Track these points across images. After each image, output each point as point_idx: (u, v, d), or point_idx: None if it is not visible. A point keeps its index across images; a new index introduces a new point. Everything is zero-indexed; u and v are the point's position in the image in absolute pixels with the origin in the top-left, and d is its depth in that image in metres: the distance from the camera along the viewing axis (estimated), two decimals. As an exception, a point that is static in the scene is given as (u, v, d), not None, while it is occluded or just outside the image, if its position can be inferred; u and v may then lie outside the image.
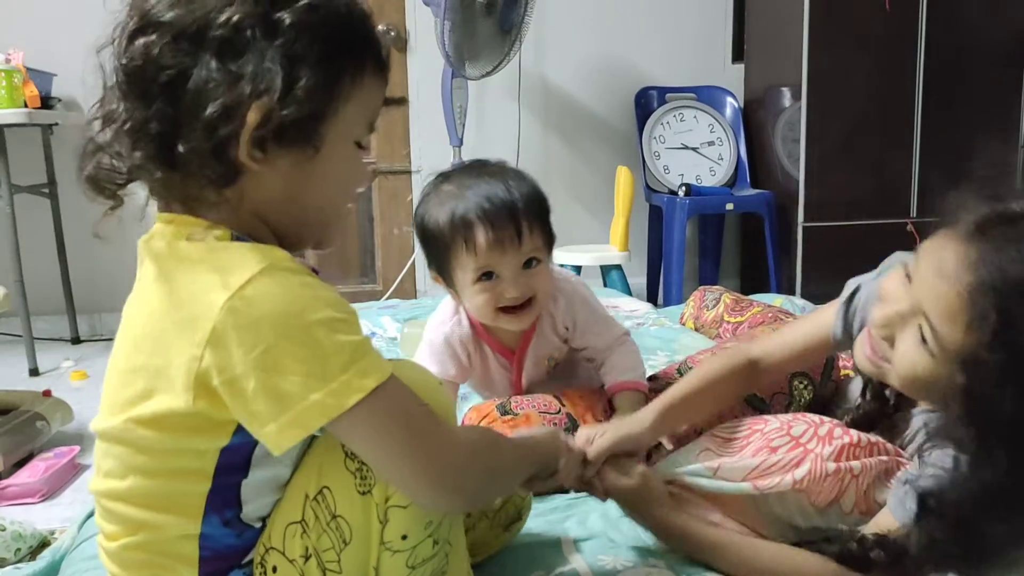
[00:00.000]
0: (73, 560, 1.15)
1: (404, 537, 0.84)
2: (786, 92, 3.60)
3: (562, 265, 3.21)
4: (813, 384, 1.50)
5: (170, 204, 0.83)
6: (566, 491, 1.29)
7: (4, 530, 1.68)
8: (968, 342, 0.88)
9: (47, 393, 2.48)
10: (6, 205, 3.04)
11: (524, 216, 1.31)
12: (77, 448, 2.28)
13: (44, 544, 1.74)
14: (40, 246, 3.39)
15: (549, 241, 1.36)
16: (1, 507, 2.00)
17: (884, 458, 1.08)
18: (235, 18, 0.75)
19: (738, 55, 3.96)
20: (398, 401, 0.78)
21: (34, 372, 3.10)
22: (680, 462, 1.19)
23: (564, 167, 3.90)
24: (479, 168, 1.37)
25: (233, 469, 0.81)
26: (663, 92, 3.81)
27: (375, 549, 0.84)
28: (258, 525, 0.85)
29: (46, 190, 3.37)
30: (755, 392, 1.41)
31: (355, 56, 0.82)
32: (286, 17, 0.77)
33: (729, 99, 3.85)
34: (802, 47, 3.43)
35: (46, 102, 3.23)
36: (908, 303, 0.97)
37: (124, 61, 0.78)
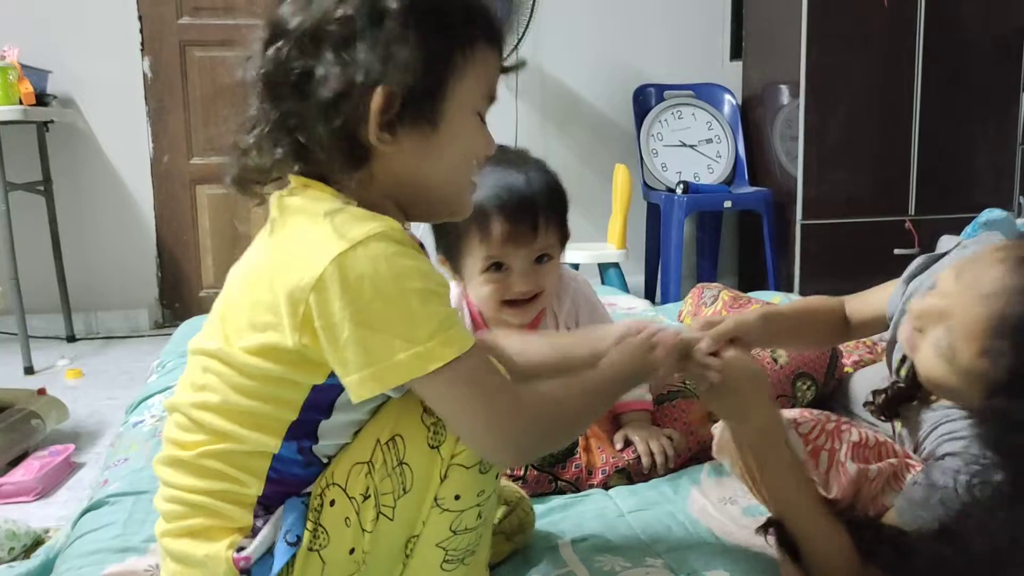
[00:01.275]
0: (68, 557, 1.14)
1: (457, 497, 0.90)
2: (784, 90, 3.60)
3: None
4: (816, 384, 1.49)
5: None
6: (576, 490, 1.28)
7: (-2, 528, 1.67)
8: (979, 367, 0.88)
9: (42, 391, 2.47)
10: (1, 202, 3.03)
11: (542, 211, 1.28)
12: (72, 447, 2.27)
13: (38, 543, 1.73)
14: (35, 244, 3.38)
15: (564, 238, 1.33)
16: (-4, 506, 1.99)
17: (893, 461, 1.06)
18: (346, 12, 0.83)
19: (736, 52, 3.95)
20: (474, 370, 0.84)
21: (29, 370, 3.08)
22: None
23: (562, 165, 3.83)
24: (499, 154, 1.34)
25: (318, 408, 0.87)
26: (661, 89, 3.81)
27: (428, 503, 0.90)
28: (324, 461, 0.90)
29: (41, 188, 3.35)
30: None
31: (464, 30, 0.87)
32: (392, 4, 0.83)
33: (727, 96, 3.84)
34: (800, 45, 3.42)
35: (41, 99, 3.22)
36: (945, 305, 0.96)
37: (261, 70, 0.86)
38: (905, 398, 1.13)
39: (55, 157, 3.42)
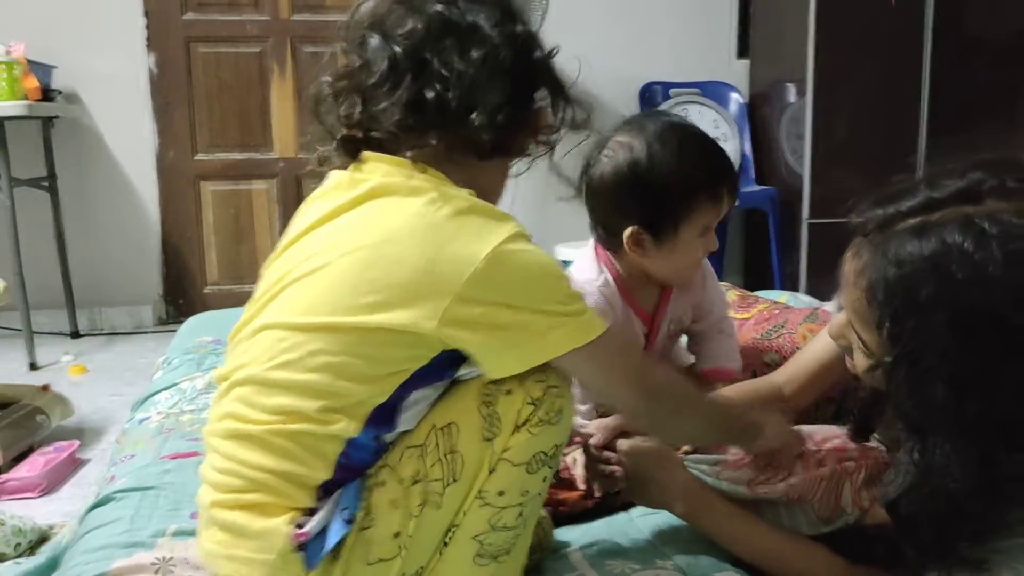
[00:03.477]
0: (74, 553, 1.14)
1: (501, 493, 0.92)
2: (791, 88, 3.58)
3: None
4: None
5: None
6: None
7: (3, 525, 1.67)
8: (883, 342, 0.90)
9: (46, 387, 2.46)
10: (6, 198, 3.03)
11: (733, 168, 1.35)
12: (77, 443, 2.27)
13: (44, 539, 1.73)
14: (40, 240, 3.37)
15: None
16: (1, 502, 1.98)
17: (881, 458, 1.07)
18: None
19: (743, 51, 3.94)
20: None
21: (33, 366, 3.08)
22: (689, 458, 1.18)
23: (568, 163, 3.87)
24: (666, 114, 1.39)
25: (406, 392, 0.90)
26: (667, 87, 3.79)
27: (472, 495, 0.92)
28: (388, 445, 0.92)
29: (46, 183, 3.35)
30: None
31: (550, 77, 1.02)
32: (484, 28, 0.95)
33: (734, 95, 3.83)
34: (807, 43, 3.41)
35: (46, 95, 3.21)
36: (844, 312, 1.00)
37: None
38: (870, 416, 1.13)
39: (60, 153, 3.41)
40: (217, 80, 3.66)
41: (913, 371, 0.87)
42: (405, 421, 0.92)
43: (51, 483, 2.09)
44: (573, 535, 1.17)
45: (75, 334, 3.50)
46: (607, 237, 1.35)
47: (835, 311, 1.11)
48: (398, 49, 0.92)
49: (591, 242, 1.42)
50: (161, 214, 3.65)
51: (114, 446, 1.66)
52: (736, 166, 3.68)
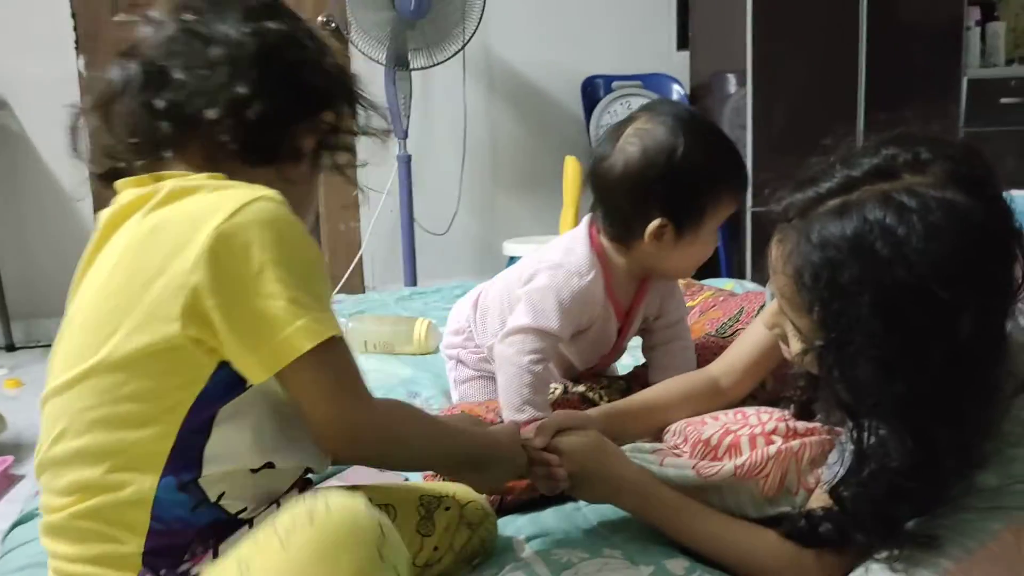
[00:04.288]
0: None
1: None
2: (731, 79, 3.60)
3: (512, 257, 3.17)
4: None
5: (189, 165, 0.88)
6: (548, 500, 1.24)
7: (-71, 546, 1.60)
8: (814, 327, 0.90)
9: (-22, 402, 2.38)
10: (-69, 208, 2.92)
11: None
12: (11, 459, 2.20)
13: (-27, 559, 1.66)
14: (-30, 250, 3.26)
15: None
16: (-71, 522, 1.91)
17: (826, 437, 1.07)
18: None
19: (683, 43, 3.95)
20: (347, 355, 0.84)
21: (-34, 381, 2.98)
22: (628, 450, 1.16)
23: (512, 158, 3.86)
24: (686, 109, 1.40)
25: (199, 426, 0.80)
26: (609, 80, 3.79)
27: None
28: (212, 500, 0.82)
29: (-25, 193, 3.24)
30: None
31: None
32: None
33: (675, 86, 3.84)
34: (746, 33, 3.43)
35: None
36: (776, 300, 1.00)
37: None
38: (810, 400, 1.13)
39: (-12, 160, 3.31)
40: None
41: (842, 354, 0.86)
42: (214, 459, 0.81)
43: (-16, 500, 2.02)
44: (519, 524, 1.15)
45: (10, 347, 3.40)
46: (623, 229, 1.30)
47: (768, 299, 1.11)
48: (132, 66, 0.89)
49: (582, 229, 1.37)
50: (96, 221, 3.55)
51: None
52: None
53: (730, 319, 1.57)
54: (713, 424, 1.13)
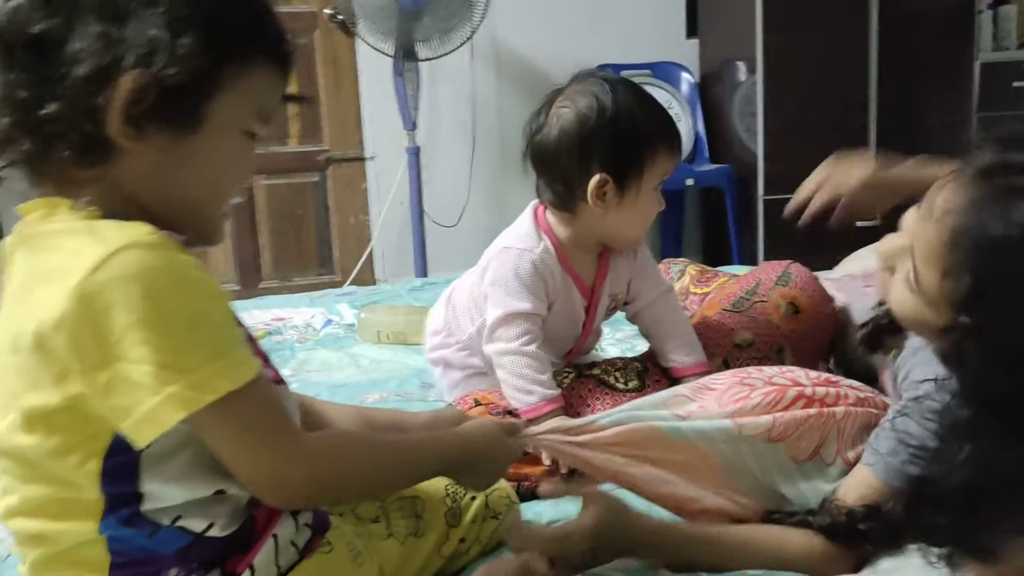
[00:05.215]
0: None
1: None
2: (741, 66, 3.58)
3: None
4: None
5: (44, 186, 0.78)
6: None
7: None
8: (943, 290, 0.82)
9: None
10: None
11: None
12: None
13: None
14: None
15: None
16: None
17: (873, 411, 1.03)
18: None
19: (692, 30, 3.93)
20: (257, 404, 0.75)
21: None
22: (644, 406, 1.09)
23: (519, 143, 3.84)
24: (625, 79, 1.36)
25: (121, 476, 0.75)
26: (618, 69, 3.76)
27: None
28: (168, 524, 0.77)
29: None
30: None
31: (244, 39, 0.78)
32: None
33: (684, 75, 3.82)
34: (755, 20, 3.41)
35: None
36: (907, 239, 0.90)
37: None
38: (888, 331, 1.09)
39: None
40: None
41: (984, 346, 0.76)
42: (152, 497, 0.76)
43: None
44: (539, 509, 1.14)
45: None
46: (564, 195, 1.32)
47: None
48: None
49: (527, 212, 1.40)
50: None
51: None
52: (690, 146, 3.70)
53: (747, 292, 1.51)
54: (758, 375, 1.09)
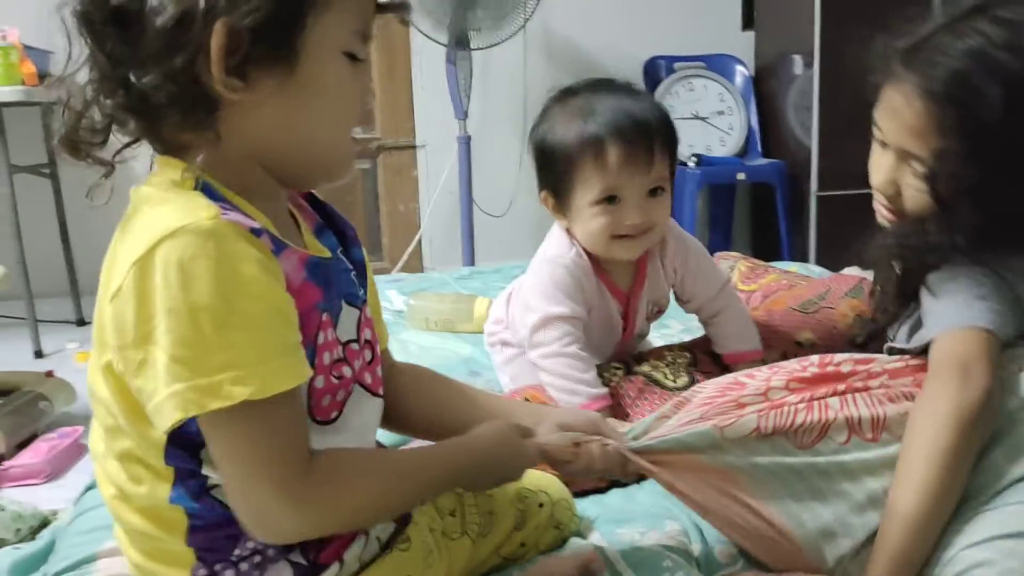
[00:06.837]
0: (67, 534, 1.12)
1: None
2: (798, 60, 3.53)
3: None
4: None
5: (166, 152, 0.78)
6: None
7: (3, 511, 1.65)
8: (951, 136, 0.99)
9: (49, 374, 2.45)
10: (5, 185, 3.00)
11: (658, 138, 1.26)
12: (81, 429, 2.25)
13: (45, 524, 1.71)
14: (42, 227, 3.35)
15: (673, 172, 1.32)
16: (4, 488, 1.97)
17: (881, 391, 1.00)
18: None
19: (748, 23, 3.88)
20: (271, 423, 0.70)
21: (39, 355, 3.06)
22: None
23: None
24: (608, 84, 1.33)
25: (186, 451, 0.75)
26: (671, 61, 3.74)
27: None
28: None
29: (46, 170, 3.32)
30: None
31: None
32: None
33: (739, 68, 3.77)
34: (814, 14, 3.35)
35: (44, 80, 3.18)
36: (891, 156, 1.08)
37: (77, 7, 0.72)
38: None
39: (60, 139, 3.38)
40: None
41: (974, 158, 0.96)
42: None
43: (55, 469, 2.07)
44: (582, 506, 1.14)
45: (80, 322, 3.48)
46: (556, 204, 1.36)
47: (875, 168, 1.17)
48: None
49: (557, 223, 1.40)
50: (163, 200, 3.61)
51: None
52: (742, 140, 3.65)
53: (816, 296, 1.53)
54: (751, 383, 1.04)
